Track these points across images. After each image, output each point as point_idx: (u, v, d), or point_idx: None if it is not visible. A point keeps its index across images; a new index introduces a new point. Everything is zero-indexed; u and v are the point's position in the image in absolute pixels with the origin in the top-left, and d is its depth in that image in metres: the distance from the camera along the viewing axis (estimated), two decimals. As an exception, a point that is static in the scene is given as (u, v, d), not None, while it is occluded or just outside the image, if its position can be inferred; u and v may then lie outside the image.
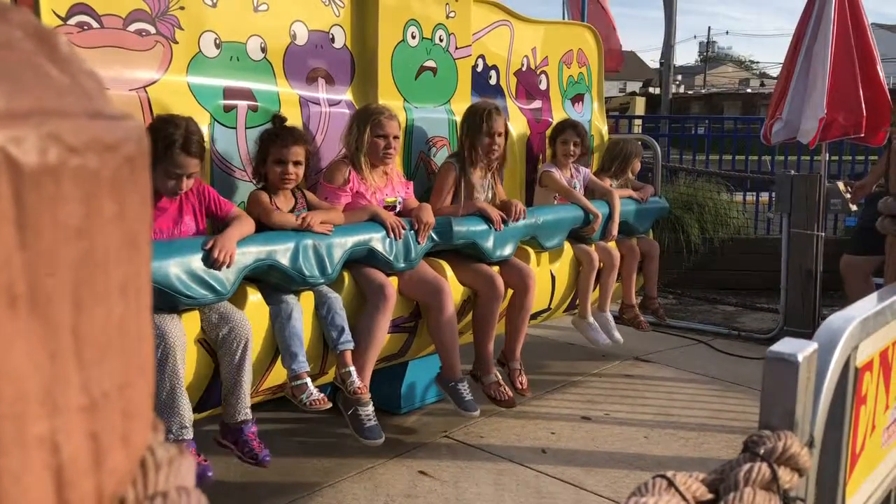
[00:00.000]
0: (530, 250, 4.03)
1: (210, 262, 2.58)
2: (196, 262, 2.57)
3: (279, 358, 2.88)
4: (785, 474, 0.76)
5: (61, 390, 0.29)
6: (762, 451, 0.76)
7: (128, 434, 0.33)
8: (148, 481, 0.36)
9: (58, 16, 2.60)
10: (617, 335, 4.60)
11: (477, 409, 3.53)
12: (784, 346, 0.85)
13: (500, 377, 3.71)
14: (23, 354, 0.27)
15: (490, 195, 3.85)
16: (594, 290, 4.51)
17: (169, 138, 2.62)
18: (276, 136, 3.04)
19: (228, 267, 2.63)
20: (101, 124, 0.30)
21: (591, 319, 4.48)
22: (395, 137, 3.41)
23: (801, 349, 0.85)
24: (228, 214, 2.86)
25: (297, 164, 3.05)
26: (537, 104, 4.73)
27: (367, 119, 3.34)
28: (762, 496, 0.72)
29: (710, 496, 0.72)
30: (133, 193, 0.32)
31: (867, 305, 1.19)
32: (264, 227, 2.95)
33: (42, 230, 0.27)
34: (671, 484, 0.66)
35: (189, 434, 2.54)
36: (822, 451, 0.97)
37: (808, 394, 0.86)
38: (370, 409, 3.12)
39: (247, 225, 2.83)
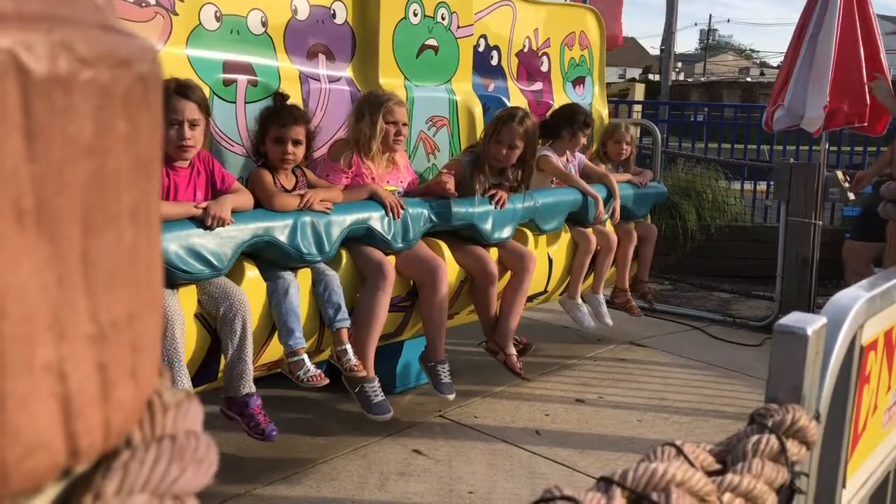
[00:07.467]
0: (528, 233, 4.02)
1: (204, 225, 2.58)
2: (193, 237, 2.56)
3: (276, 334, 2.87)
4: (793, 447, 0.75)
5: (69, 316, 0.27)
6: (770, 424, 0.75)
7: (136, 368, 0.31)
8: (155, 423, 0.34)
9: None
10: (607, 318, 4.59)
11: (452, 393, 3.50)
12: (793, 319, 0.84)
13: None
14: (29, 274, 0.26)
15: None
16: (590, 272, 4.50)
17: None
18: (276, 115, 3.01)
19: (222, 227, 2.61)
20: (114, 38, 0.28)
21: (580, 300, 4.46)
22: (405, 125, 3.38)
23: (811, 323, 0.84)
24: (230, 189, 2.84)
25: (296, 143, 3.02)
26: (538, 86, 4.70)
27: (378, 106, 3.28)
28: (770, 468, 0.71)
29: (717, 466, 0.71)
30: (145, 116, 0.30)
31: (872, 285, 1.18)
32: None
33: (51, 144, 0.26)
34: (680, 452, 0.65)
35: None
36: (826, 428, 0.96)
37: (815, 368, 0.85)
38: (376, 384, 3.12)
39: (245, 197, 2.82)
